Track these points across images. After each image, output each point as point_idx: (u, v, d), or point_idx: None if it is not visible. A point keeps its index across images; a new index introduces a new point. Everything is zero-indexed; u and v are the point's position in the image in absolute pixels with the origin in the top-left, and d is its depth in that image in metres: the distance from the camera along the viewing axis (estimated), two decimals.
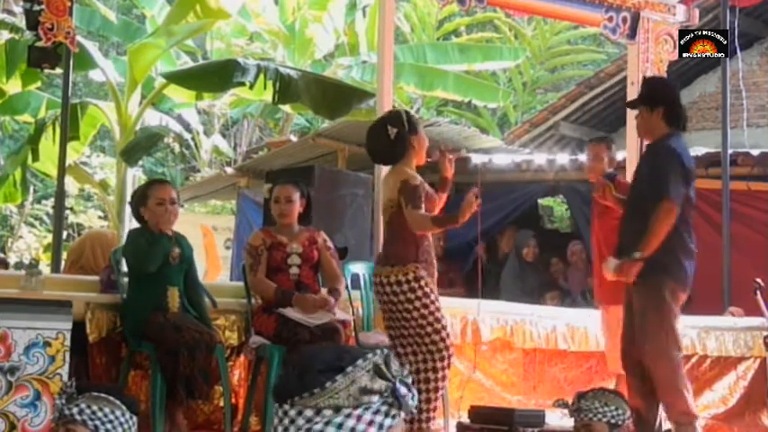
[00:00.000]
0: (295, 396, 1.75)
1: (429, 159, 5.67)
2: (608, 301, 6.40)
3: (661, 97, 5.77)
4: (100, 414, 3.24)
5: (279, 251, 5.73)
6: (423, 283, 5.35)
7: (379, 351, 1.81)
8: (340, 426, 1.74)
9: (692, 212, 5.78)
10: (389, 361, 1.79)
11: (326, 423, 1.74)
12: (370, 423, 1.75)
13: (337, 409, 1.74)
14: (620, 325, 5.81)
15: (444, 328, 5.38)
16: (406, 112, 5.70)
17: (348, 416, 1.74)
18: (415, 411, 1.85)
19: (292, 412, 1.75)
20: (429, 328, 5.33)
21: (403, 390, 1.77)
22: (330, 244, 5.93)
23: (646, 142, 6.09)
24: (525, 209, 10.36)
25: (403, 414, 1.79)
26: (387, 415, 1.77)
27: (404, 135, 5.44)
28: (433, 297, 5.38)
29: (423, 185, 5.42)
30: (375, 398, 1.76)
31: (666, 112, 5.69)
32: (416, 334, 5.36)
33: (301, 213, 5.87)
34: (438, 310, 5.38)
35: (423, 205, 5.35)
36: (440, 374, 5.36)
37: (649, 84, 6.16)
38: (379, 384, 1.76)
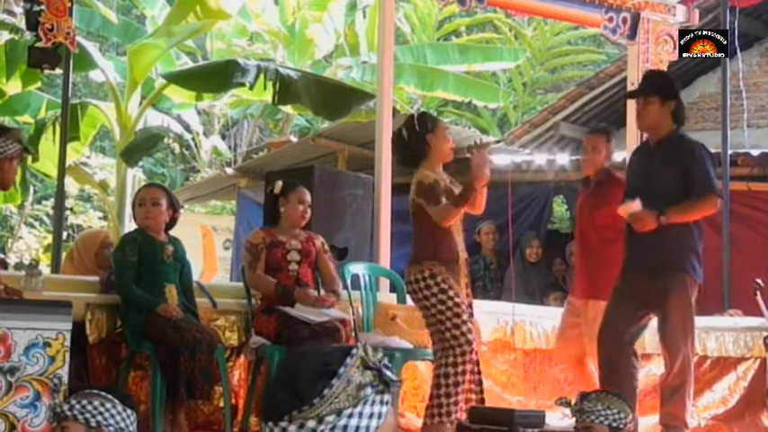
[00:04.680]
0: (293, 411, 1.74)
1: (460, 157, 5.66)
2: (595, 295, 6.27)
3: (674, 91, 5.75)
4: (90, 407, 3.26)
5: (278, 248, 5.78)
6: (439, 279, 5.39)
7: (358, 344, 1.84)
8: (345, 428, 1.75)
9: None
10: (367, 349, 1.83)
11: (332, 429, 1.75)
12: (371, 416, 1.78)
13: (339, 413, 1.75)
14: (598, 320, 5.79)
15: (465, 322, 5.39)
16: (421, 113, 5.76)
17: (350, 416, 1.76)
18: (398, 385, 1.90)
19: (292, 428, 1.75)
20: (448, 323, 5.36)
21: (387, 372, 1.81)
22: (327, 248, 6.01)
23: (645, 135, 6.02)
24: (531, 210, 10.34)
25: (391, 395, 1.83)
26: (381, 402, 1.80)
27: (416, 136, 5.48)
28: (451, 293, 5.39)
29: (438, 182, 5.45)
30: (369, 390, 1.78)
31: (677, 108, 5.68)
32: (437, 330, 5.41)
33: None
34: (457, 305, 5.39)
35: (443, 200, 5.39)
36: (459, 369, 5.36)
37: (661, 76, 6.11)
38: (368, 375, 1.79)
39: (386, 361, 1.84)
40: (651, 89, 5.74)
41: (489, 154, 5.52)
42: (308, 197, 5.93)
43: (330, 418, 1.74)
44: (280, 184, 6.00)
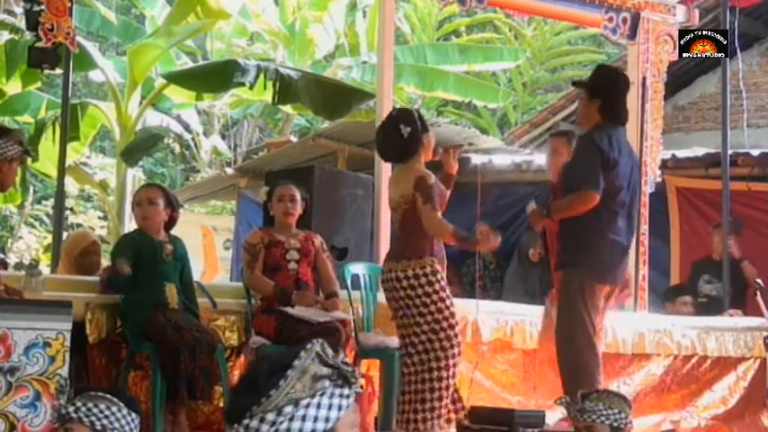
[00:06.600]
0: (253, 407, 1.78)
1: (435, 158, 5.67)
2: None
3: (603, 90, 5.70)
4: (96, 410, 3.25)
5: (277, 248, 5.78)
6: (439, 276, 5.34)
7: (315, 341, 1.89)
8: (304, 417, 1.80)
9: (619, 202, 5.65)
10: (325, 348, 1.88)
11: (291, 419, 1.80)
12: (330, 407, 1.83)
13: (296, 403, 1.80)
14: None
15: (457, 324, 5.37)
16: (417, 111, 5.76)
17: (308, 406, 1.81)
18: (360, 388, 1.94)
19: (254, 423, 1.79)
20: (444, 323, 5.29)
21: (347, 368, 1.86)
22: (326, 248, 6.00)
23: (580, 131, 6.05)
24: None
25: (353, 391, 1.87)
26: (341, 396, 1.85)
27: (417, 133, 5.44)
28: (448, 292, 5.37)
29: (437, 184, 5.42)
30: (327, 382, 1.84)
31: (603, 106, 5.65)
32: (431, 330, 5.29)
33: (300, 216, 5.94)
34: (452, 305, 5.37)
35: (439, 207, 5.34)
36: (451, 372, 5.33)
37: (598, 73, 6.04)
38: (326, 369, 1.84)
39: (346, 360, 1.89)
40: (583, 84, 5.91)
41: (458, 156, 5.81)
42: (289, 191, 5.89)
43: (288, 409, 1.79)
44: (264, 189, 6.04)
